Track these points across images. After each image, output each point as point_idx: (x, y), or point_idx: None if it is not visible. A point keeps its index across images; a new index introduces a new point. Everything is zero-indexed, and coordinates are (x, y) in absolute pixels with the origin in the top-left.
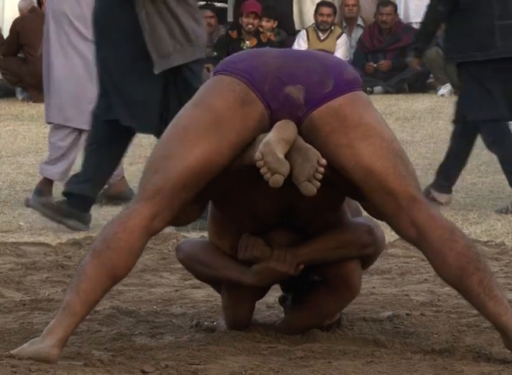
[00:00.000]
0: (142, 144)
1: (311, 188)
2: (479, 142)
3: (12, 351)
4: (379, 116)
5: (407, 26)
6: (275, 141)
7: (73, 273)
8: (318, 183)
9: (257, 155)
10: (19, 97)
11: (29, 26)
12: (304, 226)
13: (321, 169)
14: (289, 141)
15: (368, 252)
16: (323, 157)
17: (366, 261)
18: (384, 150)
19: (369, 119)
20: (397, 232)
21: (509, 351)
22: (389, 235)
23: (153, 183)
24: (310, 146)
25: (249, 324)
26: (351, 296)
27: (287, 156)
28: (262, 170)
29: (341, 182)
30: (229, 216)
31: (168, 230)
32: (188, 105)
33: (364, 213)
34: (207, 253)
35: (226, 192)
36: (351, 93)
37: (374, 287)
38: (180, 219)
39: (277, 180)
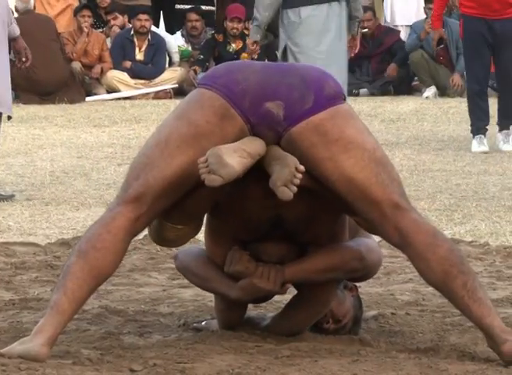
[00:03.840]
0: (130, 146)
1: (287, 193)
2: (464, 144)
3: (1, 351)
4: (361, 126)
5: (388, 29)
6: (229, 147)
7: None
8: (295, 189)
9: (201, 158)
10: None
11: (23, 28)
12: (295, 235)
13: (299, 175)
14: (252, 154)
15: (356, 276)
16: (306, 170)
17: (353, 280)
18: (366, 160)
19: (350, 131)
20: (383, 238)
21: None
22: (376, 236)
23: (135, 188)
24: (288, 154)
25: (240, 324)
26: (321, 310)
27: (268, 168)
28: (200, 171)
29: (326, 194)
30: (224, 223)
31: None
32: (171, 116)
33: None
34: (198, 264)
35: (218, 202)
36: (332, 108)
37: (359, 287)
38: (181, 239)
39: (213, 180)
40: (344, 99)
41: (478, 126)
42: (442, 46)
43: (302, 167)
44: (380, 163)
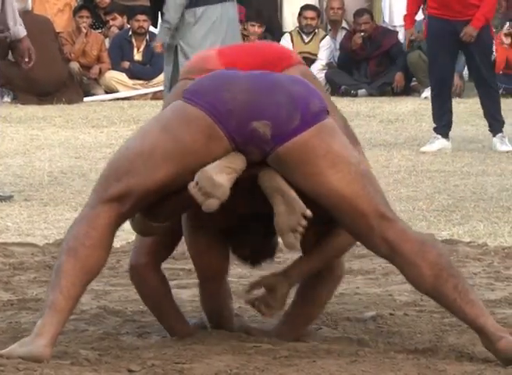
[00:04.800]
0: None
1: (292, 241)
2: (462, 144)
3: (2, 352)
4: (345, 141)
5: (386, 30)
6: (215, 167)
7: None
8: (299, 237)
9: (191, 184)
10: (7, 99)
11: None
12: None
13: (305, 223)
14: (236, 169)
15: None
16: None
17: None
18: (352, 174)
19: (336, 146)
20: (371, 250)
21: None
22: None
23: (116, 190)
24: (295, 196)
25: (226, 276)
26: (337, 278)
27: (271, 199)
28: (196, 197)
29: (312, 205)
30: (202, 217)
31: None
32: (156, 125)
33: None
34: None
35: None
36: (318, 124)
37: (358, 288)
38: (158, 232)
39: (211, 204)
40: (328, 113)
41: (437, 126)
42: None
43: (309, 213)
44: (365, 176)
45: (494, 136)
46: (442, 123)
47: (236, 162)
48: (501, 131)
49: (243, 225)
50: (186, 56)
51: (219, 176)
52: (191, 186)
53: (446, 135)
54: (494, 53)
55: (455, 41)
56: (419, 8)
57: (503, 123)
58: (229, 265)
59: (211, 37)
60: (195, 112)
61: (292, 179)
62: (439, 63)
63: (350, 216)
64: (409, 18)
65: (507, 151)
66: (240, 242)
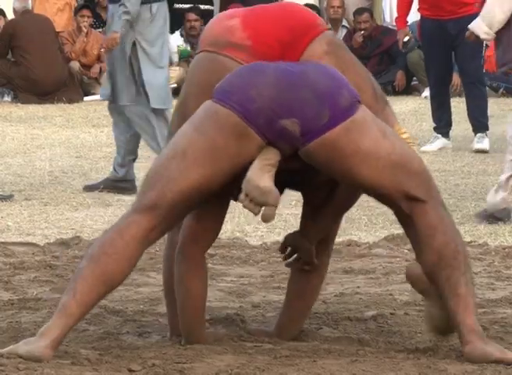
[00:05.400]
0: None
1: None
2: (463, 144)
3: (5, 350)
4: (376, 132)
5: (386, 29)
6: (257, 172)
7: (61, 272)
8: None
9: (241, 196)
10: (7, 98)
11: (21, 28)
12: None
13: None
14: (274, 164)
15: None
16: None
17: None
18: (381, 168)
19: (365, 144)
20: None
21: None
22: (374, 236)
23: (150, 199)
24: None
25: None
26: (322, 276)
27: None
28: (250, 209)
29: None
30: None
31: None
32: (189, 127)
33: None
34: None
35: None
36: (347, 121)
37: (358, 287)
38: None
39: (269, 215)
40: (359, 102)
41: (437, 126)
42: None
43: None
44: (396, 165)
45: (475, 135)
46: (442, 123)
47: (272, 157)
48: (482, 131)
49: None
50: (146, 52)
51: (264, 181)
52: (242, 198)
53: (446, 134)
54: (483, 54)
55: (447, 40)
56: (409, 9)
57: (485, 125)
58: (216, 237)
59: (165, 34)
60: (224, 111)
61: (322, 169)
62: (435, 63)
63: (381, 200)
64: (400, 19)
65: (479, 149)
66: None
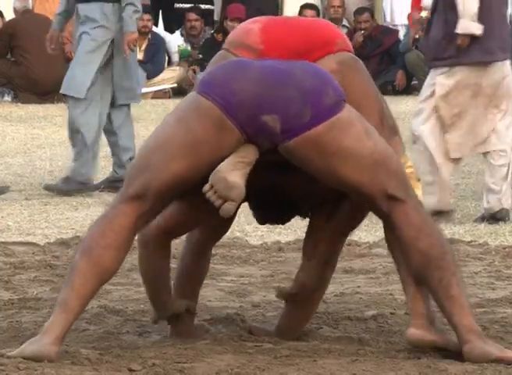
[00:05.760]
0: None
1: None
2: None
3: (12, 353)
4: (360, 131)
5: (386, 29)
6: (228, 166)
7: (61, 272)
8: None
9: (205, 187)
10: (7, 98)
11: (21, 28)
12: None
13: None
14: (249, 162)
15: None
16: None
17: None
18: (363, 167)
19: (348, 142)
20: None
21: None
22: (374, 236)
23: (136, 188)
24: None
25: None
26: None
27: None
28: (212, 200)
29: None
30: None
31: None
32: (172, 117)
33: None
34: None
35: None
36: (331, 119)
37: (359, 287)
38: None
39: (228, 209)
40: (345, 101)
41: None
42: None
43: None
44: (378, 163)
45: None
46: None
47: (249, 156)
48: None
49: (263, 198)
50: (120, 51)
51: (233, 176)
52: (206, 189)
53: None
54: None
55: None
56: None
57: None
58: (191, 229)
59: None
60: (206, 104)
61: (302, 167)
62: None
63: (360, 199)
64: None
65: None
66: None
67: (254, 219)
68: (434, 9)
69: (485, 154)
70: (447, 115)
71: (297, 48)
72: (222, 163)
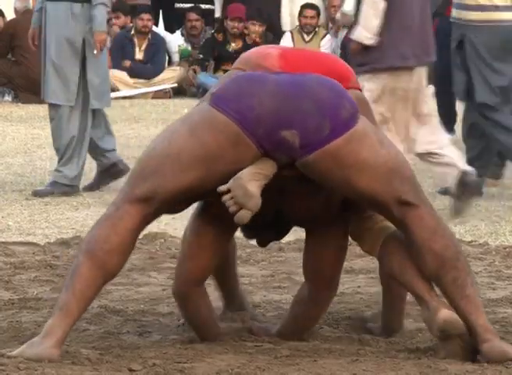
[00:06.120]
0: (129, 145)
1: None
2: (463, 143)
3: (12, 353)
4: (374, 141)
5: None
6: (247, 175)
7: (62, 272)
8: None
9: (222, 187)
10: (8, 98)
11: (22, 28)
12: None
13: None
14: (266, 175)
15: None
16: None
17: None
18: (377, 176)
19: (364, 154)
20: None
21: None
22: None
23: (142, 191)
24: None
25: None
26: (330, 297)
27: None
28: (228, 205)
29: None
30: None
31: (156, 229)
32: (184, 127)
33: None
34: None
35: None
36: (348, 133)
37: (359, 287)
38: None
39: (243, 217)
40: (359, 112)
41: (440, 123)
42: None
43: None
44: (392, 171)
45: None
46: (446, 119)
47: (267, 168)
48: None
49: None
50: (92, 50)
51: (252, 185)
52: (223, 189)
53: (451, 130)
54: None
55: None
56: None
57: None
58: (211, 272)
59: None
60: (221, 118)
61: (318, 180)
62: (438, 59)
63: (374, 207)
64: None
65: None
66: (254, 231)
67: None
68: (355, 16)
69: (421, 155)
70: (379, 119)
71: None
72: (242, 171)
